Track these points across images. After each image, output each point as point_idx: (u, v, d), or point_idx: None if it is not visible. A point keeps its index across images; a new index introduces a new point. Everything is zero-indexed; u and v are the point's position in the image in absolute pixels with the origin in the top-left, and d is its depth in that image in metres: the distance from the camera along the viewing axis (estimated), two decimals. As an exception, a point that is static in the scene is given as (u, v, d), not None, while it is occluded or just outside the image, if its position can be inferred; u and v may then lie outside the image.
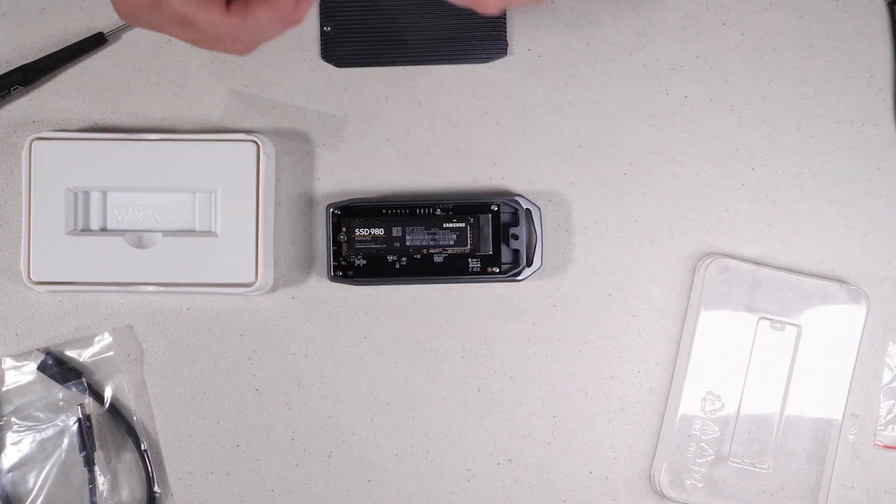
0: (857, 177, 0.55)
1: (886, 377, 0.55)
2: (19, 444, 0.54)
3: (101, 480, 0.54)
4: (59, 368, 0.54)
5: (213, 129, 0.56)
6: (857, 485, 0.55)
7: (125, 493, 0.55)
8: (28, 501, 0.54)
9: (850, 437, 0.55)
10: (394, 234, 0.54)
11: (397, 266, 0.54)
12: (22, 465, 0.54)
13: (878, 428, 0.55)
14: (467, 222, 0.54)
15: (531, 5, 0.41)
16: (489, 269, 0.54)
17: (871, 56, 0.55)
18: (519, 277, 0.54)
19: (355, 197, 0.55)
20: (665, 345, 0.55)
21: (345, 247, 0.54)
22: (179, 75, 0.56)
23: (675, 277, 0.55)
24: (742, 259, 0.55)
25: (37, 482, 0.54)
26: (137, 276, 0.53)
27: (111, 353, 0.55)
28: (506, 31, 0.55)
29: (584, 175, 0.56)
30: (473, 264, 0.54)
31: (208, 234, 0.54)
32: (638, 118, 0.55)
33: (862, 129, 0.55)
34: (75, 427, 0.54)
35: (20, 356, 0.55)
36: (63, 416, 0.55)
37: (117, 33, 0.56)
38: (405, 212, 0.54)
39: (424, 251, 0.54)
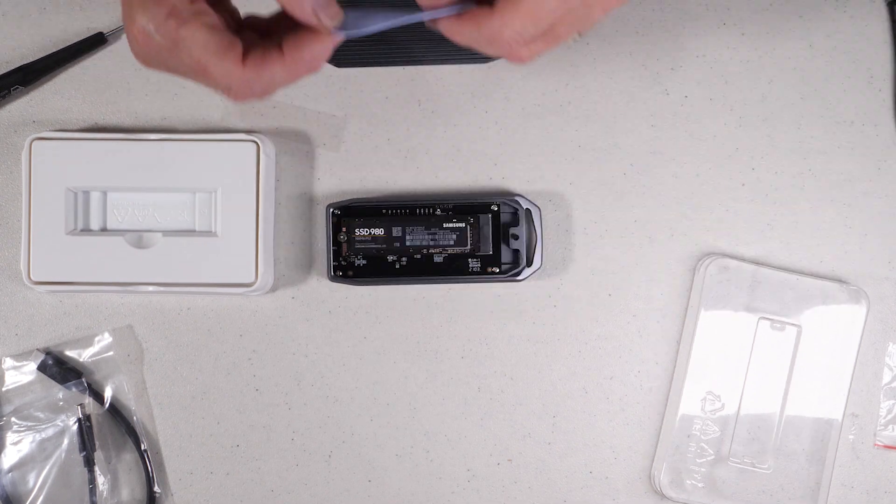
0: (857, 177, 0.55)
1: (886, 377, 0.55)
2: (19, 444, 0.54)
3: (101, 480, 0.54)
4: (59, 368, 0.54)
5: (213, 129, 0.56)
6: (857, 485, 0.55)
7: (125, 493, 0.55)
8: (28, 501, 0.54)
9: (850, 437, 0.55)
10: (394, 234, 0.54)
11: (397, 266, 0.54)
12: (22, 465, 0.54)
13: (878, 428, 0.55)
14: (467, 222, 0.54)
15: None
16: (489, 269, 0.54)
17: (871, 56, 0.55)
18: (519, 277, 0.54)
19: (355, 197, 0.55)
20: (665, 345, 0.55)
21: (345, 247, 0.54)
22: (179, 75, 0.56)
23: (675, 277, 0.55)
24: (742, 259, 0.55)
25: (37, 482, 0.54)
26: (137, 276, 0.53)
27: (111, 353, 0.55)
28: (506, 31, 0.55)
29: (584, 175, 0.56)
30: (473, 264, 0.54)
31: (208, 234, 0.54)
32: (638, 118, 0.55)
33: (862, 129, 0.55)
34: (75, 427, 0.54)
35: (20, 356, 0.55)
36: (63, 416, 0.55)
37: (117, 33, 0.56)
38: (405, 212, 0.54)
39: (424, 251, 0.54)
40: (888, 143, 0.55)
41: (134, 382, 0.55)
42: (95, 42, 0.55)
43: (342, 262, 0.54)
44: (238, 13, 0.42)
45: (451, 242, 0.54)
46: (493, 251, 0.54)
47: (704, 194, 0.55)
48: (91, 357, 0.55)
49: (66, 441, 0.54)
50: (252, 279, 0.53)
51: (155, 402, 0.55)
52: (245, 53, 0.39)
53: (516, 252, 0.54)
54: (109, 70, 0.56)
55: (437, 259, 0.54)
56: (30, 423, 0.55)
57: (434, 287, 0.55)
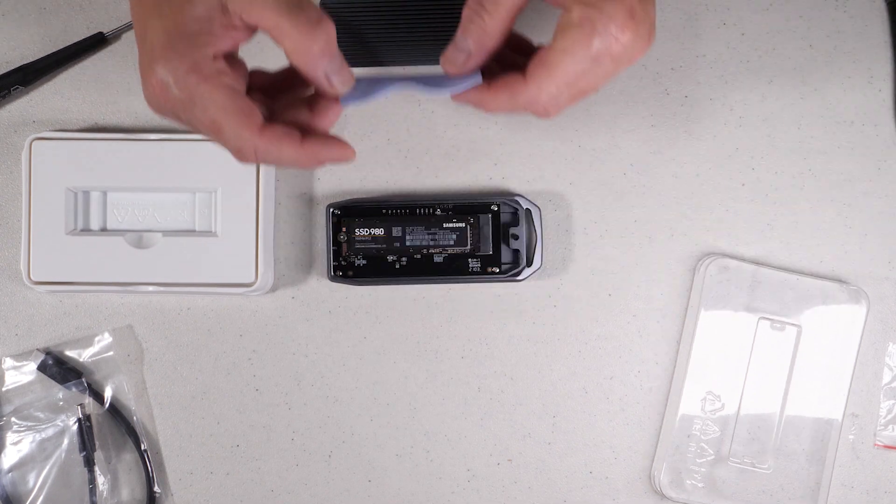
0: (857, 177, 0.55)
1: (886, 377, 0.55)
2: (19, 444, 0.54)
3: (101, 480, 0.54)
4: (59, 368, 0.54)
5: (213, 129, 0.55)
6: (857, 485, 0.55)
7: (125, 493, 0.55)
8: (28, 501, 0.54)
9: (850, 437, 0.55)
10: (394, 234, 0.54)
11: (397, 266, 0.54)
12: (22, 465, 0.54)
13: (878, 428, 0.55)
14: (467, 222, 0.54)
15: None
16: (489, 269, 0.54)
17: (871, 56, 0.55)
18: (519, 277, 0.54)
19: (355, 197, 0.55)
20: (665, 345, 0.55)
21: (345, 247, 0.54)
22: (179, 75, 0.56)
23: (675, 277, 0.55)
24: (742, 259, 0.55)
25: (37, 482, 0.54)
26: (137, 276, 0.53)
27: (111, 353, 0.55)
28: (506, 31, 0.55)
29: (584, 175, 0.56)
30: (473, 264, 0.54)
31: (208, 234, 0.54)
32: (638, 118, 0.55)
33: (862, 129, 0.55)
34: (75, 427, 0.54)
35: (20, 356, 0.55)
36: (63, 416, 0.55)
37: (117, 33, 0.56)
38: (405, 212, 0.54)
39: (424, 251, 0.54)
40: (888, 143, 0.55)
41: (134, 382, 0.55)
42: (95, 42, 0.55)
43: (342, 262, 0.54)
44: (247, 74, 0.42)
45: (451, 242, 0.54)
46: (493, 251, 0.54)
47: (704, 194, 0.55)
48: (91, 357, 0.55)
49: (66, 441, 0.54)
50: (252, 279, 0.53)
51: (155, 402, 0.55)
52: (264, 125, 0.39)
53: (516, 252, 0.54)
54: (109, 70, 0.56)
55: (437, 259, 0.54)
56: (30, 423, 0.55)
57: (434, 287, 0.55)
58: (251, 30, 0.38)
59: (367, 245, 0.54)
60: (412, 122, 0.56)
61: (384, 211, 0.54)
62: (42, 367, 0.54)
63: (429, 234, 0.54)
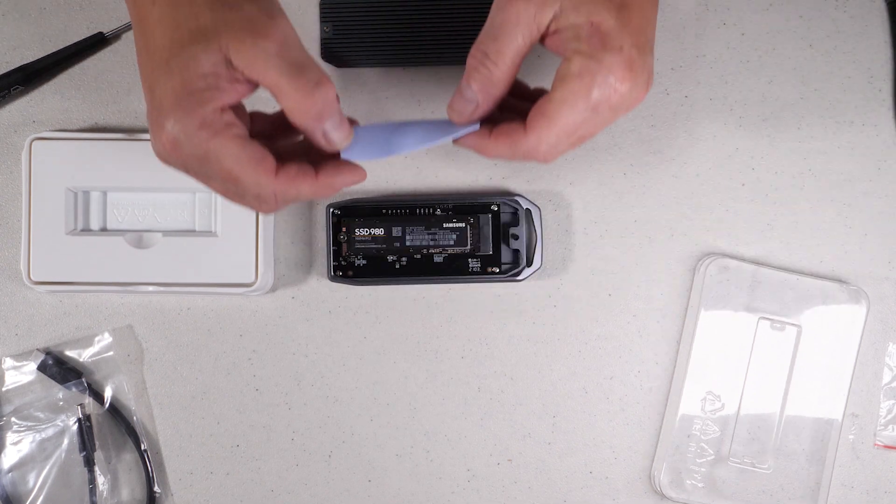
0: (857, 177, 0.55)
1: (886, 377, 0.55)
2: (19, 444, 0.54)
3: (101, 480, 0.54)
4: (59, 368, 0.54)
5: (213, 129, 0.55)
6: (857, 485, 0.55)
7: (125, 493, 0.55)
8: (28, 501, 0.54)
9: (850, 437, 0.55)
10: (394, 234, 0.54)
11: (397, 266, 0.54)
12: (22, 465, 0.54)
13: (878, 428, 0.55)
14: (467, 222, 0.54)
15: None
16: (489, 269, 0.54)
17: (871, 56, 0.55)
18: (519, 277, 0.54)
19: (355, 197, 0.55)
20: (665, 345, 0.55)
21: (345, 247, 0.54)
22: (179, 75, 0.56)
23: (675, 277, 0.55)
24: (742, 259, 0.55)
25: (37, 482, 0.54)
26: (137, 276, 0.53)
27: (111, 353, 0.55)
28: (506, 31, 0.55)
29: (584, 175, 0.56)
30: (473, 264, 0.54)
31: (208, 234, 0.54)
32: (638, 118, 0.55)
33: (862, 129, 0.55)
34: (75, 427, 0.54)
35: (20, 356, 0.55)
36: (63, 416, 0.55)
37: (117, 33, 0.56)
38: (405, 212, 0.54)
39: (424, 251, 0.54)
40: (888, 143, 0.55)
41: (134, 382, 0.55)
42: (95, 42, 0.55)
43: (342, 262, 0.54)
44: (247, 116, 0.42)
45: (451, 242, 0.54)
46: (493, 251, 0.54)
47: (704, 194, 0.55)
48: (91, 357, 0.55)
49: (66, 441, 0.54)
50: (252, 279, 0.53)
51: (155, 402, 0.55)
52: (278, 166, 0.40)
53: (516, 252, 0.54)
54: (109, 70, 0.56)
55: (437, 259, 0.54)
56: (30, 423, 0.55)
57: (434, 287, 0.55)
58: (255, 84, 0.39)
59: (367, 245, 0.54)
60: (412, 122, 0.56)
61: (384, 211, 0.54)
62: (42, 367, 0.54)
63: (429, 234, 0.54)
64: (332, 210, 0.54)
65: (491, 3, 0.56)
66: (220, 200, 0.53)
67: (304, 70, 0.38)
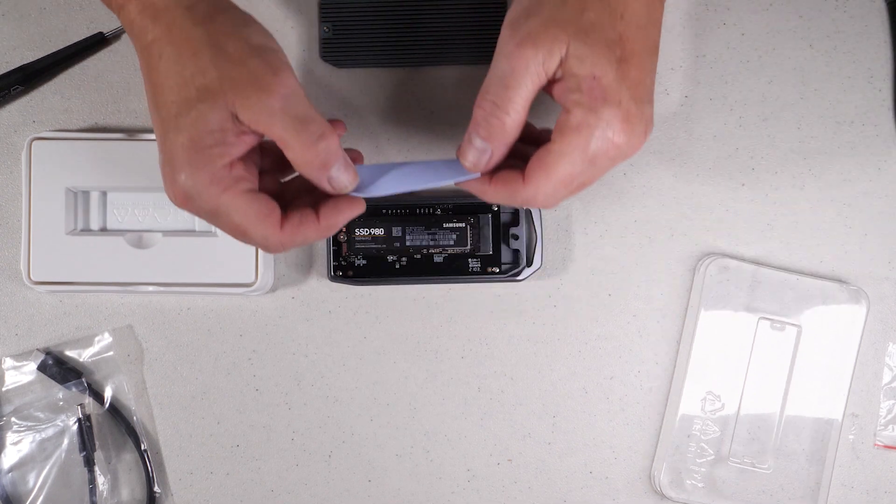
0: (857, 177, 0.55)
1: (886, 377, 0.55)
2: (19, 444, 0.54)
3: (101, 480, 0.54)
4: (59, 368, 0.54)
5: (213, 129, 0.55)
6: (857, 485, 0.55)
7: (125, 493, 0.55)
8: (28, 501, 0.54)
9: (850, 437, 0.55)
10: (394, 234, 0.54)
11: (397, 266, 0.54)
12: (22, 465, 0.54)
13: (878, 428, 0.55)
14: (467, 222, 0.54)
15: None
16: (489, 269, 0.54)
17: (871, 56, 0.55)
18: (519, 277, 0.54)
19: (355, 197, 0.55)
20: (665, 345, 0.55)
21: (345, 247, 0.54)
22: (179, 75, 0.56)
23: (675, 277, 0.55)
24: (742, 259, 0.55)
25: (37, 482, 0.54)
26: (137, 276, 0.53)
27: (111, 353, 0.55)
28: (506, 31, 0.55)
29: (584, 175, 0.55)
30: (473, 264, 0.54)
31: (208, 234, 0.54)
32: (638, 118, 0.55)
33: (862, 129, 0.55)
34: (75, 427, 0.54)
35: (20, 356, 0.55)
36: (63, 416, 0.55)
37: (117, 33, 0.56)
38: (405, 212, 0.54)
39: (424, 251, 0.54)
40: (888, 143, 0.55)
41: (134, 382, 0.55)
42: (95, 42, 0.55)
43: (342, 262, 0.54)
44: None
45: (451, 242, 0.54)
46: (493, 251, 0.54)
47: (704, 194, 0.55)
48: (91, 357, 0.55)
49: (66, 441, 0.54)
50: (252, 279, 0.53)
51: (155, 402, 0.55)
52: (282, 217, 0.42)
53: (516, 252, 0.54)
54: (109, 70, 0.56)
55: (437, 259, 0.54)
56: (30, 423, 0.55)
57: (434, 287, 0.55)
58: (261, 135, 0.40)
59: (367, 245, 0.54)
60: (412, 122, 0.56)
61: (384, 211, 0.54)
62: (42, 367, 0.54)
63: (429, 234, 0.54)
64: (332, 210, 0.54)
65: (491, 4, 0.56)
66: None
67: (307, 123, 0.40)
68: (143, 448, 0.55)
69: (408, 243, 0.54)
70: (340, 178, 0.42)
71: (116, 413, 0.55)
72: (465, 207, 0.54)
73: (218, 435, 0.55)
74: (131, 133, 0.54)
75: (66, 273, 0.53)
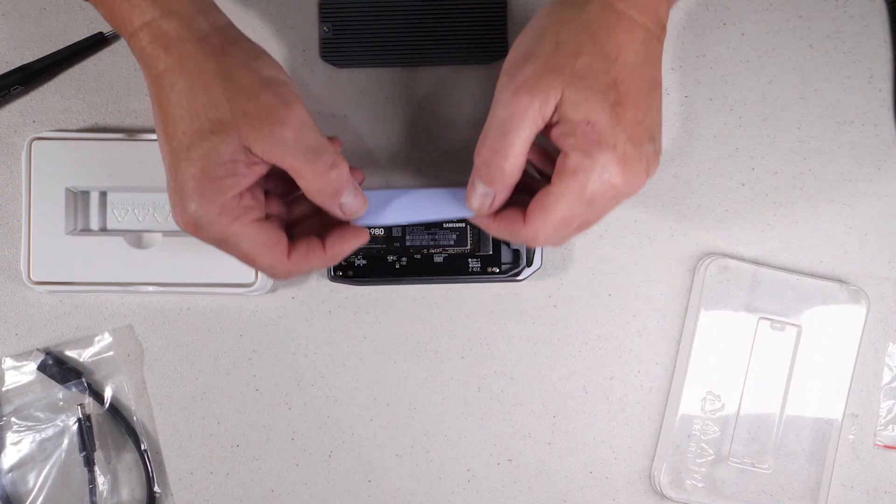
0: (857, 177, 0.55)
1: (886, 377, 0.55)
2: (19, 444, 0.54)
3: (101, 480, 0.54)
4: (59, 368, 0.54)
5: (213, 129, 0.55)
6: (857, 485, 0.55)
7: (125, 493, 0.55)
8: (28, 501, 0.54)
9: (850, 437, 0.55)
10: (394, 234, 0.54)
11: (397, 266, 0.54)
12: (22, 465, 0.54)
13: (878, 428, 0.55)
14: (467, 222, 0.54)
15: None
16: (489, 269, 0.54)
17: (871, 56, 0.55)
18: (519, 277, 0.54)
19: (355, 197, 0.55)
20: (665, 345, 0.55)
21: (345, 247, 0.54)
22: (179, 75, 0.56)
23: (675, 277, 0.55)
24: (742, 259, 0.55)
25: (37, 482, 0.54)
26: (137, 276, 0.53)
27: (111, 353, 0.55)
28: (506, 32, 0.55)
29: (584, 175, 0.55)
30: (473, 264, 0.54)
31: (208, 234, 0.54)
32: (638, 118, 0.55)
33: (862, 129, 0.55)
34: (75, 427, 0.54)
35: (20, 356, 0.55)
36: (63, 416, 0.55)
37: (117, 33, 0.56)
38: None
39: (424, 251, 0.54)
40: (888, 143, 0.55)
41: (134, 382, 0.55)
42: (95, 42, 0.55)
43: (342, 262, 0.54)
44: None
45: (451, 242, 0.54)
46: (493, 251, 0.54)
47: (704, 194, 0.55)
48: (91, 357, 0.55)
49: (66, 441, 0.54)
50: (252, 279, 0.53)
51: (155, 402, 0.55)
52: (289, 245, 0.43)
53: (516, 252, 0.54)
54: (109, 70, 0.56)
55: (437, 259, 0.54)
56: (30, 423, 0.55)
57: (434, 287, 0.55)
58: (271, 165, 0.41)
59: (367, 245, 0.54)
60: (412, 122, 0.56)
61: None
62: (42, 367, 0.54)
63: (429, 234, 0.54)
64: (332, 210, 0.54)
65: (491, 3, 0.56)
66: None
67: (319, 154, 0.41)
68: (143, 448, 0.55)
69: (408, 243, 0.54)
70: (351, 204, 0.43)
71: (116, 413, 0.55)
72: (465, 207, 0.54)
73: (218, 435, 0.55)
74: (131, 133, 0.54)
75: (66, 273, 0.53)
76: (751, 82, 0.55)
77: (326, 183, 0.42)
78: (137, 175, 0.53)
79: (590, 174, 0.40)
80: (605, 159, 0.39)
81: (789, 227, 0.55)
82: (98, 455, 0.54)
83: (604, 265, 0.55)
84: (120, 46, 0.56)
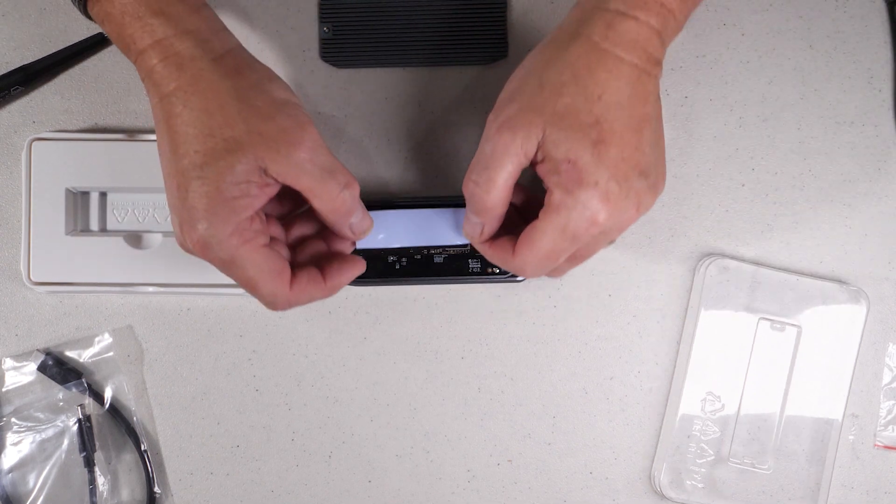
0: (857, 177, 0.55)
1: (886, 377, 0.55)
2: (19, 445, 0.54)
3: (101, 481, 0.54)
4: (59, 369, 0.54)
5: (213, 130, 0.55)
6: (857, 485, 0.55)
7: (125, 494, 0.55)
8: (28, 502, 0.54)
9: (850, 437, 0.55)
10: (394, 235, 0.54)
11: (397, 266, 0.54)
12: (22, 465, 0.54)
13: (878, 428, 0.55)
14: (467, 222, 0.54)
15: None
16: (489, 270, 0.54)
17: (871, 56, 0.55)
18: (519, 278, 0.54)
19: (355, 197, 0.55)
20: (665, 345, 0.55)
21: (345, 247, 0.54)
22: (179, 75, 0.56)
23: (675, 277, 0.55)
24: (742, 259, 0.55)
25: (37, 482, 0.54)
26: (137, 276, 0.53)
27: (111, 354, 0.55)
28: (506, 33, 0.55)
29: (584, 175, 0.55)
30: (473, 264, 0.54)
31: (208, 234, 0.54)
32: (638, 118, 0.55)
33: (862, 129, 0.55)
34: (75, 427, 0.54)
35: (20, 356, 0.55)
36: (63, 417, 0.55)
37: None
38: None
39: (424, 251, 0.54)
40: (888, 143, 0.55)
41: (134, 383, 0.55)
42: (95, 42, 0.55)
43: (342, 263, 0.54)
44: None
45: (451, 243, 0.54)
46: (493, 251, 0.54)
47: (704, 194, 0.55)
48: (91, 357, 0.55)
49: (66, 441, 0.54)
50: (252, 279, 0.53)
51: (155, 402, 0.55)
52: (292, 275, 0.44)
53: (516, 252, 0.54)
54: (109, 70, 0.56)
55: (437, 259, 0.54)
56: (30, 424, 0.55)
57: (434, 287, 0.55)
58: (281, 186, 0.42)
59: (368, 246, 0.54)
60: (412, 122, 0.56)
61: (384, 208, 0.54)
62: (42, 368, 0.54)
63: (429, 234, 0.54)
64: (332, 210, 0.54)
65: (491, 3, 0.56)
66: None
67: (333, 174, 0.42)
68: (143, 448, 0.55)
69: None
70: (359, 224, 0.45)
71: (116, 413, 0.55)
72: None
73: (218, 435, 0.55)
74: (131, 133, 0.54)
75: (66, 273, 0.53)
76: (751, 82, 0.55)
77: (341, 203, 0.43)
78: (137, 175, 0.53)
79: (571, 211, 0.40)
80: (585, 197, 0.40)
81: (789, 227, 0.55)
82: (98, 455, 0.54)
83: (604, 265, 0.55)
84: (120, 47, 0.56)
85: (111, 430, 0.55)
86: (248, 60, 0.43)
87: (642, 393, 0.55)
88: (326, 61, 0.55)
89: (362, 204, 0.45)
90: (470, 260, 0.54)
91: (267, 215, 0.45)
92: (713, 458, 0.54)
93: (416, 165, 0.56)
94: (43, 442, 0.55)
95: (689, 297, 0.55)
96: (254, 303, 0.55)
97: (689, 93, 0.55)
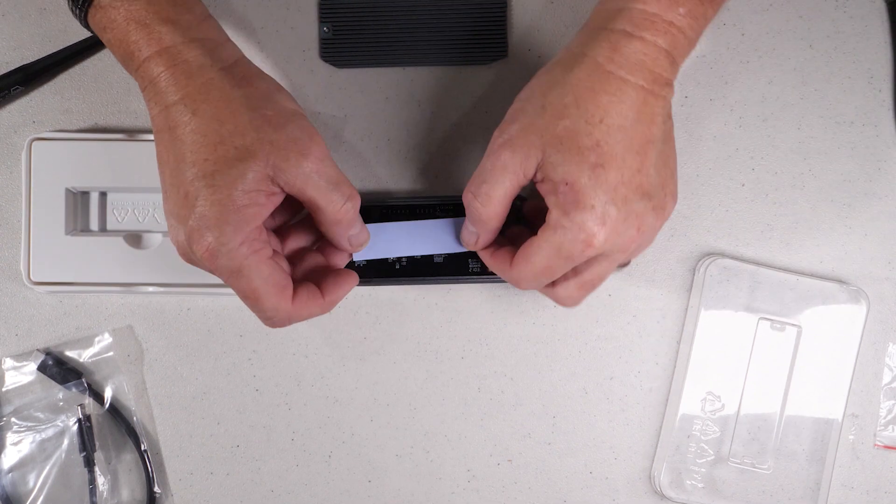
0: (857, 177, 0.55)
1: (886, 377, 0.55)
2: (19, 445, 0.54)
3: (101, 481, 0.54)
4: (59, 369, 0.54)
5: (213, 130, 0.55)
6: (857, 485, 0.55)
7: (125, 494, 0.55)
8: (28, 502, 0.54)
9: (850, 437, 0.55)
10: (394, 235, 0.54)
11: (397, 266, 0.54)
12: (22, 465, 0.54)
13: (878, 428, 0.55)
14: (467, 222, 0.54)
15: None
16: (489, 270, 0.54)
17: (871, 56, 0.55)
18: (519, 278, 0.54)
19: (355, 197, 0.55)
20: (665, 345, 0.55)
21: (345, 247, 0.54)
22: (179, 75, 0.56)
23: (675, 277, 0.55)
24: (742, 259, 0.55)
25: (37, 482, 0.54)
26: (137, 276, 0.53)
27: (111, 354, 0.55)
28: (506, 32, 0.55)
29: (584, 175, 0.55)
30: (473, 265, 0.54)
31: (208, 234, 0.54)
32: (638, 118, 0.55)
33: (862, 129, 0.55)
34: (75, 427, 0.54)
35: (20, 356, 0.55)
36: (63, 417, 0.55)
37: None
38: (405, 212, 0.54)
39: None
40: (888, 143, 0.55)
41: (134, 383, 0.55)
42: (95, 42, 0.55)
43: (342, 263, 0.54)
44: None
45: (451, 243, 0.54)
46: (493, 251, 0.54)
47: (704, 194, 0.55)
48: (91, 357, 0.55)
49: (66, 441, 0.54)
50: (252, 279, 0.53)
51: (155, 402, 0.55)
52: (293, 290, 0.44)
53: (516, 252, 0.54)
54: (109, 70, 0.56)
55: (437, 259, 0.54)
56: (30, 424, 0.55)
57: (434, 287, 0.55)
58: (286, 195, 0.42)
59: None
60: (412, 122, 0.56)
61: (384, 211, 0.54)
62: (42, 368, 0.54)
63: (429, 234, 0.54)
64: (332, 210, 0.54)
65: (491, 3, 0.56)
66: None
67: (339, 186, 0.43)
68: (143, 448, 0.55)
69: (408, 243, 0.54)
70: (358, 236, 0.46)
71: (116, 413, 0.55)
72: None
73: (218, 435, 0.55)
74: (131, 133, 0.54)
75: (66, 273, 0.53)
76: (751, 82, 0.55)
77: (343, 215, 0.44)
78: (137, 175, 0.53)
79: (567, 232, 0.41)
80: (581, 219, 0.40)
81: (789, 227, 0.55)
82: (98, 455, 0.54)
83: (604, 265, 0.55)
84: (120, 47, 0.56)
85: (111, 430, 0.55)
86: (256, 71, 0.43)
87: (642, 393, 0.55)
88: (326, 61, 0.55)
89: (361, 220, 0.46)
90: (470, 260, 0.54)
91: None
92: (713, 458, 0.54)
93: (415, 165, 0.56)
94: (43, 442, 0.55)
95: (689, 296, 0.55)
96: (254, 303, 0.55)
97: (689, 93, 0.55)
